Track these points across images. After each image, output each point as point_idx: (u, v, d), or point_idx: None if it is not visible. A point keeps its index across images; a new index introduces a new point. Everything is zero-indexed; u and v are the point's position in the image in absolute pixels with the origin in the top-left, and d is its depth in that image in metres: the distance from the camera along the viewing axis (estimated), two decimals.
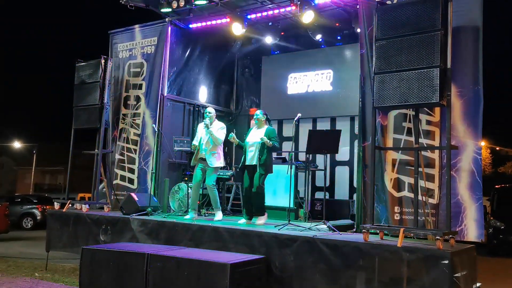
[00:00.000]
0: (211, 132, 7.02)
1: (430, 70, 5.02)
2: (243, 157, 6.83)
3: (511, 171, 34.78)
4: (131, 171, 8.91)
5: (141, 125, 8.91)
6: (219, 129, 7.13)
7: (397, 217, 5.99)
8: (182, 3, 8.36)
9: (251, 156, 6.66)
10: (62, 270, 7.64)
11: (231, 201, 8.89)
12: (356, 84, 6.83)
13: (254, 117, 6.90)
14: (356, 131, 7.99)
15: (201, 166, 7.13)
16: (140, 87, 9.08)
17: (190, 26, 9.33)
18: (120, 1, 8.99)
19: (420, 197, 5.55)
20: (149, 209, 7.40)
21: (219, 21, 9.03)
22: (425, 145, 5.87)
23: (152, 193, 8.26)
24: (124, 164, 9.01)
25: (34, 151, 34.19)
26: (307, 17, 8.02)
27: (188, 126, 9.63)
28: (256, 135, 6.69)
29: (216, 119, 7.30)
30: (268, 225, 6.38)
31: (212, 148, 7.04)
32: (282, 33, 9.68)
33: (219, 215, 6.99)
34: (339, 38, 9.44)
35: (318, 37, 9.18)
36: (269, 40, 9.69)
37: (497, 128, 28.70)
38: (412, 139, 5.81)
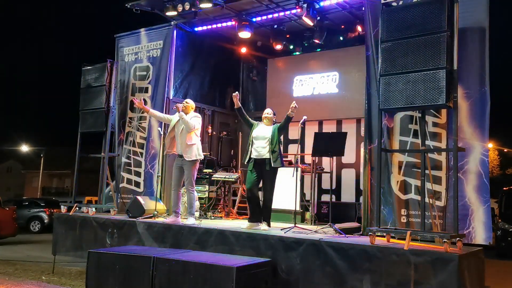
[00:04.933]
0: (182, 115, 6.75)
1: (436, 72, 4.99)
2: (249, 152, 6.55)
3: None
4: (138, 174, 8.93)
5: (147, 128, 8.93)
6: (193, 117, 6.90)
7: (403, 219, 5.95)
8: (187, 7, 8.38)
9: (260, 149, 6.43)
10: (69, 274, 7.64)
11: (237, 204, 8.88)
12: (362, 86, 6.81)
13: (266, 114, 6.68)
14: (362, 133, 7.97)
15: (178, 163, 6.90)
16: (146, 90, 9.10)
17: (196, 29, 9.37)
18: (126, 5, 9.04)
19: (427, 200, 5.52)
20: (155, 212, 7.41)
21: (224, 24, 9.05)
22: (432, 147, 5.83)
23: (158, 196, 8.27)
24: (130, 168, 9.03)
25: (41, 155, 34.42)
26: (312, 19, 8.01)
27: None
28: (266, 130, 6.55)
29: (192, 111, 7.05)
30: (274, 228, 6.36)
31: (187, 139, 6.78)
32: (288, 36, 9.68)
33: (190, 221, 6.71)
34: (344, 40, 9.42)
35: (324, 39, 9.17)
36: (274, 42, 9.68)
37: (505, 129, 28.49)
38: (419, 141, 5.79)
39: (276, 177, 6.51)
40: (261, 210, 6.49)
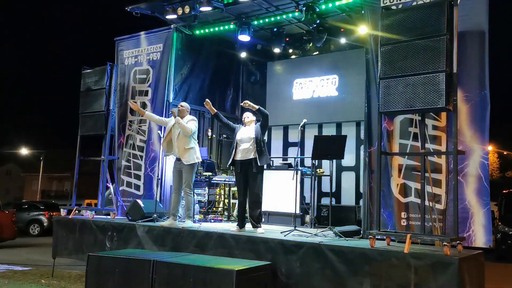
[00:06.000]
0: (178, 120, 6.73)
1: (436, 75, 4.99)
2: (232, 155, 6.55)
3: None
4: (137, 177, 8.92)
5: (147, 131, 8.93)
6: (189, 121, 6.89)
7: (403, 223, 5.95)
8: (187, 10, 8.39)
9: (246, 151, 6.45)
10: (68, 277, 7.64)
11: (237, 207, 8.86)
12: (362, 89, 6.82)
13: (245, 117, 6.75)
14: (362, 136, 7.97)
15: (177, 167, 6.91)
16: (146, 93, 9.10)
17: (195, 32, 9.36)
18: (126, 8, 9.05)
19: (427, 203, 5.51)
20: (155, 215, 7.40)
21: (224, 27, 9.06)
22: (432, 150, 5.83)
23: (158, 199, 8.26)
24: (130, 171, 9.03)
25: (41, 158, 34.40)
26: (311, 22, 8.02)
27: None
28: (249, 131, 6.56)
29: (188, 114, 7.06)
30: (274, 231, 6.36)
31: (185, 143, 6.78)
32: (287, 39, 9.69)
33: (188, 223, 6.68)
34: (344, 43, 9.43)
35: (323, 42, 9.18)
36: (273, 45, 9.69)
37: (504, 132, 28.50)
38: (419, 144, 5.78)
39: (263, 177, 6.53)
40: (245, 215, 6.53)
